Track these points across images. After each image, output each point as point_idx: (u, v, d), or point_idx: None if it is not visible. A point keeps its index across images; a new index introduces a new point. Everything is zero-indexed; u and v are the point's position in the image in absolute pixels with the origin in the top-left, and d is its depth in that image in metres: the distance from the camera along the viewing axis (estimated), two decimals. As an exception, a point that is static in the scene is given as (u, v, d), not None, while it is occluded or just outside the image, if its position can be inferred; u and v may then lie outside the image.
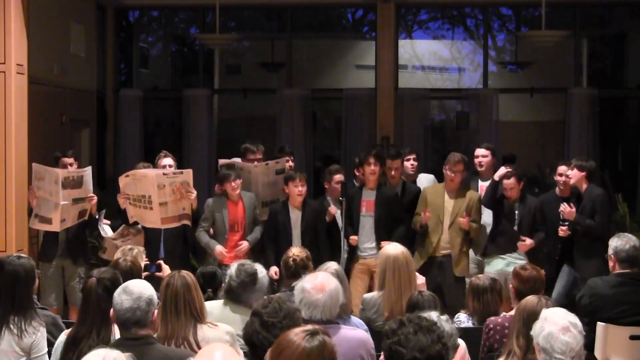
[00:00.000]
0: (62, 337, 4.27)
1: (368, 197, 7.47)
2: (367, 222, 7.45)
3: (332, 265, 5.33)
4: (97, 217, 7.39)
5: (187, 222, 7.18)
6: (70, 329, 4.23)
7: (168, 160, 7.54)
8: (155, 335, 4.07)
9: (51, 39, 9.24)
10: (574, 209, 7.16)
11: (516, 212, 7.36)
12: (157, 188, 6.91)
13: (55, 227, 7.11)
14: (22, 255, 4.85)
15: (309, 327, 3.02)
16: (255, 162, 7.79)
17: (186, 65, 14.13)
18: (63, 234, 7.33)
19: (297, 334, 2.96)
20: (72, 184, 7.07)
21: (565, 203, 7.22)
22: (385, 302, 5.44)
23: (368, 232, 7.44)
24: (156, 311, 3.88)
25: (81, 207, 7.20)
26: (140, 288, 3.84)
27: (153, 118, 12.64)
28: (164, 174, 7.05)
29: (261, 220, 7.54)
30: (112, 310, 3.86)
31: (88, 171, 7.28)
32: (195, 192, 7.13)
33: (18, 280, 4.49)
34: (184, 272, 4.45)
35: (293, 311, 3.75)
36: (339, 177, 7.75)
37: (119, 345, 3.70)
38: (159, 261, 5.74)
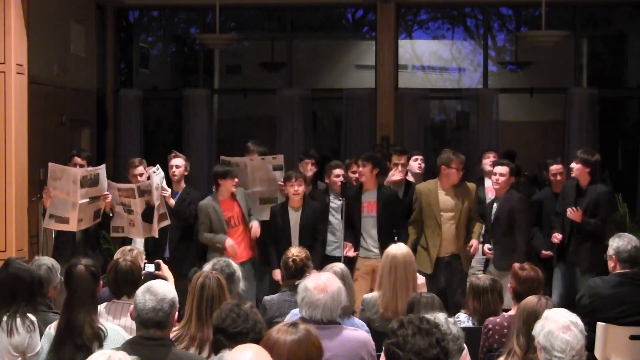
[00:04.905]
0: (46, 330, 4.28)
1: (369, 198, 7.47)
2: (369, 222, 7.45)
3: (338, 265, 5.32)
4: (110, 215, 7.38)
5: (165, 222, 7.27)
6: (54, 323, 4.23)
7: (178, 161, 7.59)
8: (186, 335, 4.12)
9: (51, 39, 9.24)
10: (580, 212, 7.17)
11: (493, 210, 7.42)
12: (138, 197, 7.07)
13: (73, 227, 7.07)
14: (41, 260, 4.96)
15: (288, 322, 3.04)
16: (251, 157, 7.84)
17: (186, 65, 14.13)
18: (80, 234, 7.27)
19: (279, 330, 2.98)
20: (89, 182, 7.07)
21: (572, 208, 7.21)
22: (380, 299, 5.45)
23: (371, 232, 7.44)
24: (176, 314, 3.86)
25: (96, 207, 7.19)
26: (164, 289, 3.82)
27: (153, 118, 12.64)
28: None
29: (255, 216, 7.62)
30: (131, 307, 3.87)
31: (103, 169, 7.28)
32: (168, 190, 7.30)
33: (20, 282, 4.49)
34: (216, 273, 4.44)
35: (249, 311, 3.64)
36: (337, 171, 7.82)
37: (135, 343, 3.73)
38: (157, 260, 5.72)
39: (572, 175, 7.40)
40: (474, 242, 7.39)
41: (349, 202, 7.38)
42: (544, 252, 7.61)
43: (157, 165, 7.37)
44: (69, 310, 4.17)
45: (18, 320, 4.41)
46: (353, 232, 7.48)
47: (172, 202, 7.38)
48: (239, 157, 7.98)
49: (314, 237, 7.43)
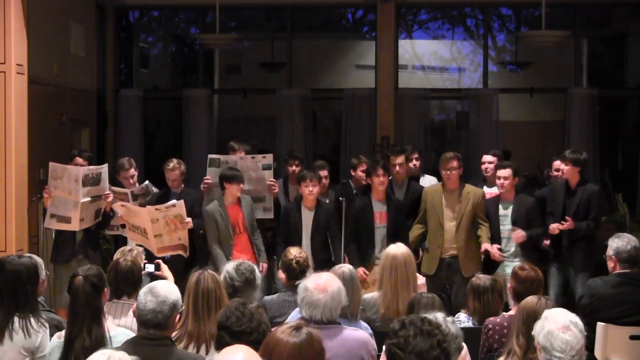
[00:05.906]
0: (55, 340, 4.25)
1: (380, 209, 7.35)
2: (381, 232, 7.34)
3: (346, 266, 5.31)
4: (111, 215, 7.35)
5: (182, 252, 7.17)
6: (63, 331, 4.22)
7: (174, 175, 7.52)
8: (185, 333, 4.13)
9: (51, 39, 9.23)
10: (570, 222, 7.16)
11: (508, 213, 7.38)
12: (151, 222, 6.93)
13: (75, 226, 7.02)
14: (24, 254, 4.84)
15: (292, 323, 3.04)
16: (240, 155, 7.77)
17: (186, 65, 14.13)
18: (80, 234, 7.23)
19: (282, 332, 2.98)
20: (91, 181, 7.03)
21: (559, 225, 7.16)
22: (381, 299, 5.46)
23: (382, 242, 7.28)
24: (178, 316, 3.86)
25: (97, 206, 7.16)
26: (166, 292, 3.82)
27: (153, 118, 12.64)
28: (157, 209, 7.03)
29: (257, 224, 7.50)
30: (134, 306, 3.87)
31: (105, 168, 7.25)
32: (189, 221, 7.13)
33: (20, 280, 4.47)
34: (211, 271, 4.45)
35: (254, 311, 3.65)
36: (320, 173, 7.71)
37: (135, 343, 3.74)
38: (157, 260, 5.73)
39: (564, 175, 7.43)
40: (485, 245, 7.21)
41: (357, 215, 7.31)
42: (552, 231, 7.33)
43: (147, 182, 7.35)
44: (70, 322, 4.16)
45: (32, 320, 4.40)
46: (359, 245, 7.34)
47: (191, 224, 7.22)
48: (227, 155, 7.90)
49: (328, 239, 7.36)
